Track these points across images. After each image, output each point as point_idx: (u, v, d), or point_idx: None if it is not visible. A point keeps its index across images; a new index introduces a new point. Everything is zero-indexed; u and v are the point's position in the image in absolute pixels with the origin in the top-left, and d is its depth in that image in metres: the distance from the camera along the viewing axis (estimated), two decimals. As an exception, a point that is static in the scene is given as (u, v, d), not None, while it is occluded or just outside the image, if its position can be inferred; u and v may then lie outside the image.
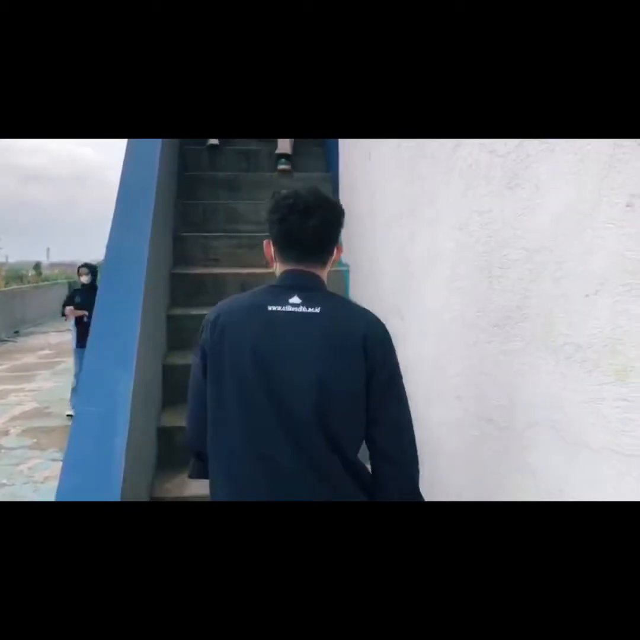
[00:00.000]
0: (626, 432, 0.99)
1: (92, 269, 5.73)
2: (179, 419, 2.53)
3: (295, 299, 1.27)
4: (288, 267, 1.32)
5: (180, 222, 3.71)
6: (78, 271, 5.90)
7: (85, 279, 5.66)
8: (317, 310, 1.26)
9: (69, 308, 5.53)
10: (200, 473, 1.41)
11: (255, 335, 1.24)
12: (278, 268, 1.36)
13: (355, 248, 3.18)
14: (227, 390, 1.26)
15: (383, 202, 2.56)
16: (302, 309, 1.26)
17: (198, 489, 2.26)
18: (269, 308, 1.26)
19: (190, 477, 1.49)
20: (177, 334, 2.97)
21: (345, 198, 3.43)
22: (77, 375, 5.17)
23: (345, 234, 3.64)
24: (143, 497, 2.06)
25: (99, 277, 5.25)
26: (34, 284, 13.31)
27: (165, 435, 2.45)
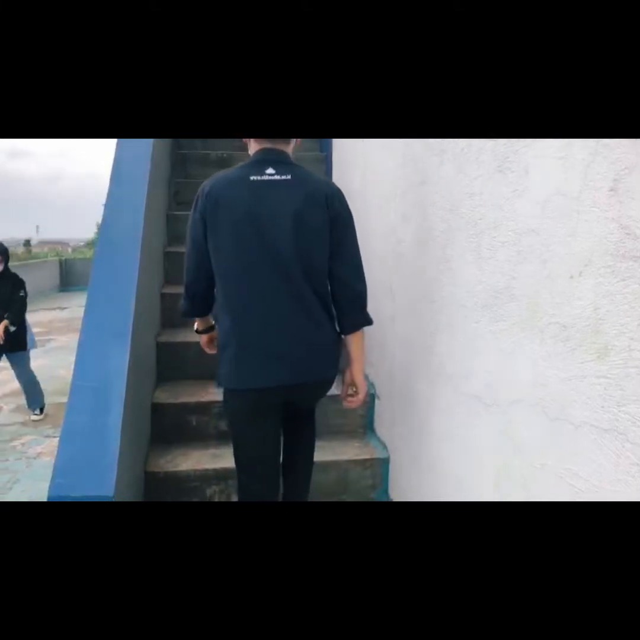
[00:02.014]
0: (605, 408, 1.03)
1: (3, 252, 4.62)
2: (172, 396, 2.57)
3: (270, 170, 1.67)
4: (260, 146, 1.70)
5: (173, 200, 3.70)
6: None
7: None
8: (289, 177, 1.68)
9: None
10: (187, 312, 1.87)
11: (243, 198, 1.64)
12: (252, 147, 1.74)
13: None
14: (226, 242, 1.65)
15: (375, 183, 2.58)
16: (277, 177, 1.67)
17: (191, 464, 2.31)
18: (251, 178, 1.66)
19: (183, 316, 1.90)
20: (171, 312, 2.99)
21: (338, 178, 3.44)
22: (19, 379, 4.83)
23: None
24: (138, 471, 2.11)
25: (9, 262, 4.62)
26: (24, 262, 13.21)
27: (159, 410, 2.49)
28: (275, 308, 1.65)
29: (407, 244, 2.13)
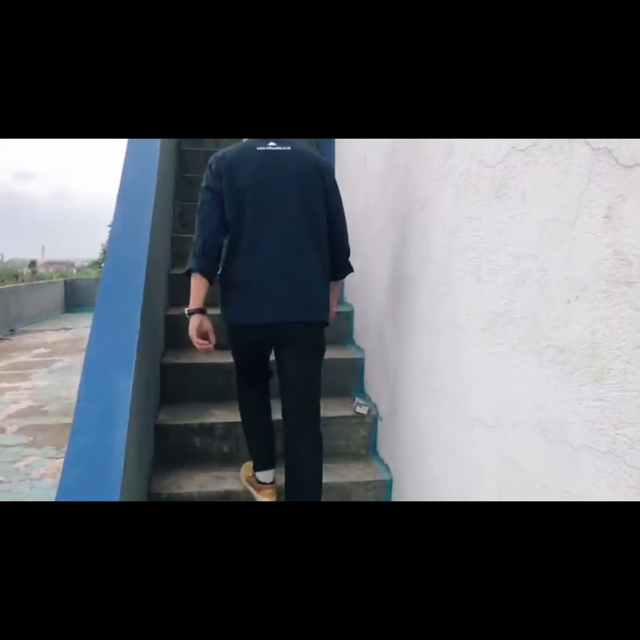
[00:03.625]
0: (603, 431, 1.05)
1: None
2: (175, 417, 2.58)
3: (272, 143, 2.01)
4: None
5: (178, 222, 3.75)
6: None
7: None
8: (288, 148, 2.02)
9: None
10: (197, 265, 2.02)
11: (253, 162, 1.98)
12: None
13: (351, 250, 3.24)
14: (239, 196, 1.97)
15: (377, 206, 2.62)
16: (279, 147, 2.01)
17: (194, 486, 2.31)
18: (258, 148, 2.00)
19: (189, 272, 2.06)
20: (174, 333, 3.01)
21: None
22: None
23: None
24: (141, 493, 2.11)
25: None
26: (30, 282, 13.30)
27: (162, 432, 2.50)
28: (281, 255, 1.96)
29: (408, 267, 2.16)
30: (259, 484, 2.23)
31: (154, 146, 2.94)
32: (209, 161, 2.04)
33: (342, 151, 3.48)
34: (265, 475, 2.22)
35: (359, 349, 3.01)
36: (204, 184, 2.03)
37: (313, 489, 2.06)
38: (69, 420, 1.80)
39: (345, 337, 3.18)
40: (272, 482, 2.22)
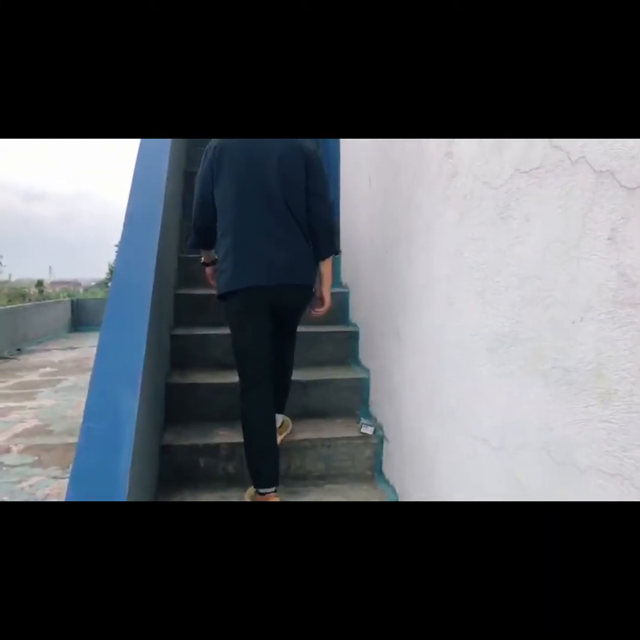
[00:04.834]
0: (610, 453, 1.04)
1: None
2: (180, 437, 2.57)
3: None
4: None
5: (184, 243, 3.78)
6: None
7: None
8: None
9: None
10: (195, 245, 2.46)
11: (241, 146, 2.21)
12: None
13: (355, 270, 3.25)
14: (227, 179, 2.22)
15: (382, 227, 2.63)
16: None
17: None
18: None
19: (191, 247, 2.50)
20: (180, 353, 3.02)
21: (346, 222, 3.51)
22: None
23: (346, 256, 3.71)
24: (145, 514, 2.10)
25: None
26: (37, 302, 13.38)
27: (167, 452, 2.49)
28: (265, 226, 2.19)
29: (413, 287, 2.16)
30: (260, 496, 2.22)
31: (162, 168, 2.97)
32: (206, 146, 2.34)
33: (347, 172, 3.51)
34: (265, 492, 2.21)
35: (364, 368, 3.00)
36: (198, 172, 2.33)
37: (284, 376, 2.53)
38: (74, 439, 1.80)
39: (350, 357, 3.18)
40: (275, 491, 2.22)
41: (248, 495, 2.34)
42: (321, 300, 2.42)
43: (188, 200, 4.07)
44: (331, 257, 2.39)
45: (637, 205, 0.97)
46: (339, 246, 2.46)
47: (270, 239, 2.19)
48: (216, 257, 2.39)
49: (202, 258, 2.56)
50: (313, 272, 2.32)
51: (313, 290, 2.37)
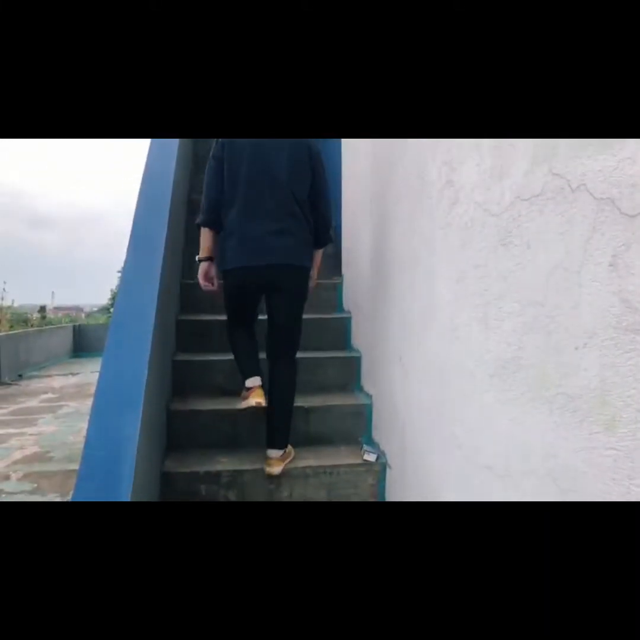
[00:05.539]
0: (616, 481, 1.03)
1: None
2: (181, 464, 2.55)
3: None
4: None
5: (187, 269, 3.80)
6: None
7: None
8: None
9: None
10: (204, 222, 2.56)
11: (251, 141, 2.42)
12: None
13: (357, 295, 3.26)
14: (238, 164, 2.42)
15: (385, 253, 2.65)
16: None
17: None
18: None
19: (201, 225, 2.58)
20: (181, 379, 3.01)
21: (348, 245, 3.53)
22: None
23: (347, 282, 3.72)
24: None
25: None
26: (39, 328, 13.39)
27: (168, 479, 2.47)
28: (271, 213, 2.39)
29: (415, 312, 2.16)
30: (247, 391, 2.53)
31: (165, 194, 3.00)
32: (215, 143, 2.51)
33: (349, 198, 3.54)
34: (251, 381, 2.54)
35: (366, 394, 2.99)
36: (211, 153, 2.49)
37: (286, 391, 2.56)
38: (74, 466, 1.78)
39: (353, 382, 3.17)
40: (260, 386, 2.53)
41: (242, 398, 2.59)
42: (312, 278, 2.70)
43: (191, 227, 4.12)
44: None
45: (638, 232, 0.97)
46: (333, 236, 2.73)
47: (276, 227, 2.39)
48: (213, 256, 2.57)
49: (200, 251, 2.60)
50: (309, 256, 2.56)
51: (308, 273, 2.60)
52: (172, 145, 3.45)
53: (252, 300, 2.59)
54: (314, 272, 2.69)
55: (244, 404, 2.52)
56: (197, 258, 2.60)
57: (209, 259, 2.57)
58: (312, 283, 2.68)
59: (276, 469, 2.45)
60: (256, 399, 2.48)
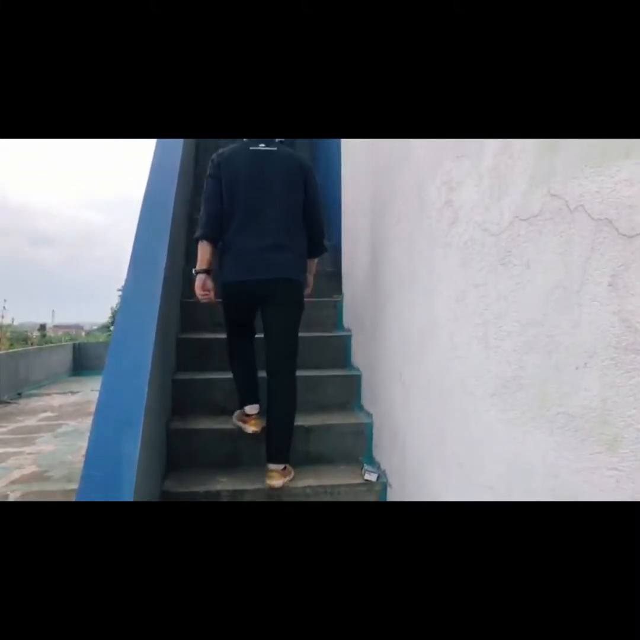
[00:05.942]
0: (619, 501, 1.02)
1: None
2: (181, 484, 2.54)
3: (262, 144, 2.58)
4: None
5: (187, 287, 3.81)
6: None
7: None
8: (274, 148, 2.59)
9: None
10: (203, 236, 2.58)
11: (248, 157, 2.55)
12: None
13: (357, 314, 3.27)
14: (233, 189, 2.51)
15: (384, 271, 2.66)
16: (267, 148, 2.58)
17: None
18: (250, 148, 2.57)
19: (200, 238, 2.59)
20: (181, 397, 3.00)
21: (348, 263, 3.54)
22: None
23: (347, 300, 3.72)
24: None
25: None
26: (38, 346, 13.37)
27: (168, 499, 2.44)
28: (268, 229, 2.49)
29: (415, 332, 2.17)
30: (246, 417, 2.72)
31: (166, 213, 3.02)
32: (212, 157, 2.60)
33: (348, 220, 3.56)
34: (251, 408, 2.72)
35: (366, 413, 2.98)
36: (208, 172, 2.58)
37: (286, 408, 2.55)
38: (73, 486, 1.77)
39: (353, 401, 3.16)
40: (258, 413, 2.72)
41: (235, 416, 2.77)
42: (307, 285, 2.79)
43: (192, 246, 4.14)
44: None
45: (637, 252, 0.98)
46: (326, 247, 2.84)
47: (272, 242, 2.48)
48: (210, 268, 2.62)
49: (198, 264, 2.62)
50: (302, 271, 2.64)
51: (303, 286, 2.67)
52: (174, 164, 3.48)
53: (249, 313, 2.68)
54: (309, 279, 2.80)
55: (240, 426, 2.69)
56: (194, 270, 2.64)
57: (206, 271, 2.62)
58: (307, 291, 2.77)
59: (277, 482, 2.44)
60: (253, 428, 2.66)
